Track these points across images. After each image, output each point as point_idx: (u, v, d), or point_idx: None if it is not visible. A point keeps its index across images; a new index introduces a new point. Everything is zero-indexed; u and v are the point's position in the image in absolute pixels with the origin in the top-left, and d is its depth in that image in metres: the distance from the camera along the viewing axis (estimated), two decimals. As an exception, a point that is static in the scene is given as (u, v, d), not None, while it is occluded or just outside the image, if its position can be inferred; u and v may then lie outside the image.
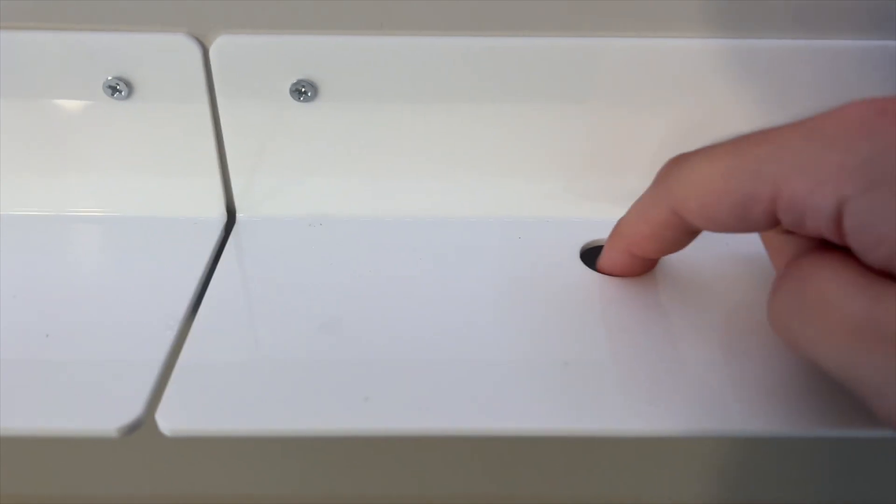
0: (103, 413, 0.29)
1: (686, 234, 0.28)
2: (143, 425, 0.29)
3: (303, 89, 0.37)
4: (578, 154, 0.38)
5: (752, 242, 0.33)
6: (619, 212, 0.31)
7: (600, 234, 0.37)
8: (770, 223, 0.24)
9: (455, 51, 0.36)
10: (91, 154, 0.39)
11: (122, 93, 0.37)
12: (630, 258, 0.32)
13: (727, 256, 0.37)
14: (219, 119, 0.38)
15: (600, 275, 0.34)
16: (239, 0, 0.36)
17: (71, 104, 0.37)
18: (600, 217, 0.37)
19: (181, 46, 0.36)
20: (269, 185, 0.40)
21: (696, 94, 0.36)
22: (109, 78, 0.37)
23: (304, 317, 0.33)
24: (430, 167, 0.39)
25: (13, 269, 0.36)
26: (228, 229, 0.40)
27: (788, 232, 0.26)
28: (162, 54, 0.36)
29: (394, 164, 0.39)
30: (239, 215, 0.41)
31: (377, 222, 0.40)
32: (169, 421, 0.28)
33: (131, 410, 0.29)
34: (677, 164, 0.26)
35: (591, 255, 0.37)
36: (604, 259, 0.33)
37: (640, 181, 0.30)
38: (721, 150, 0.25)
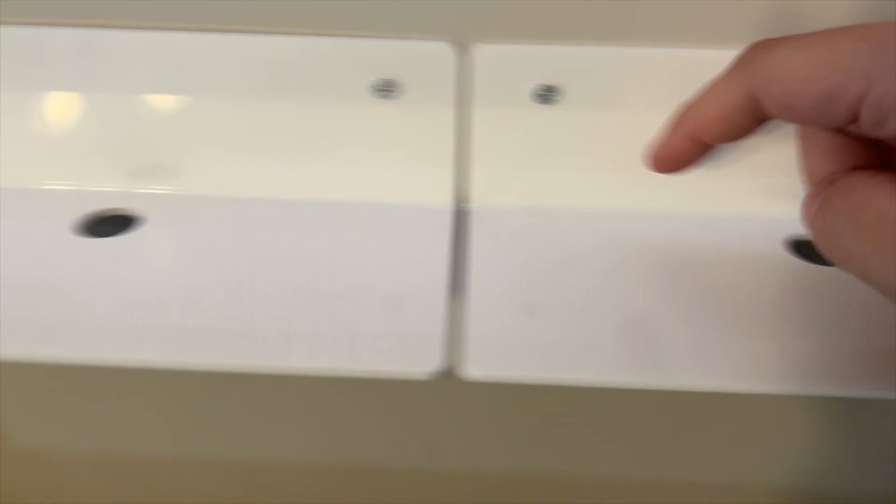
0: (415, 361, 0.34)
1: (756, 121, 0.27)
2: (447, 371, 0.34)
3: (546, 93, 0.42)
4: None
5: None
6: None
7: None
8: (848, 119, 0.24)
9: (685, 61, 0.40)
10: (354, 147, 0.44)
11: (388, 92, 0.42)
12: (691, 144, 0.30)
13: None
14: (467, 117, 0.43)
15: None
16: (494, 14, 0.41)
17: (341, 100, 0.43)
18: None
19: (443, 53, 0.41)
20: (505, 178, 0.45)
21: None
22: (375, 80, 0.42)
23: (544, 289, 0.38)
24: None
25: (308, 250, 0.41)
26: (459, 216, 0.45)
27: (839, 132, 0.27)
28: (425, 59, 0.42)
29: (620, 162, 0.43)
30: (474, 204, 0.45)
31: (598, 215, 0.44)
32: (476, 369, 0.33)
33: (436, 361, 0.34)
34: (764, 48, 0.26)
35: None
36: (661, 146, 0.31)
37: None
38: (813, 39, 0.25)
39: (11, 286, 0.38)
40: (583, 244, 0.42)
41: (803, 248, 0.41)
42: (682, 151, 0.31)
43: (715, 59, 0.31)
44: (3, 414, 0.59)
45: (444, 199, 0.45)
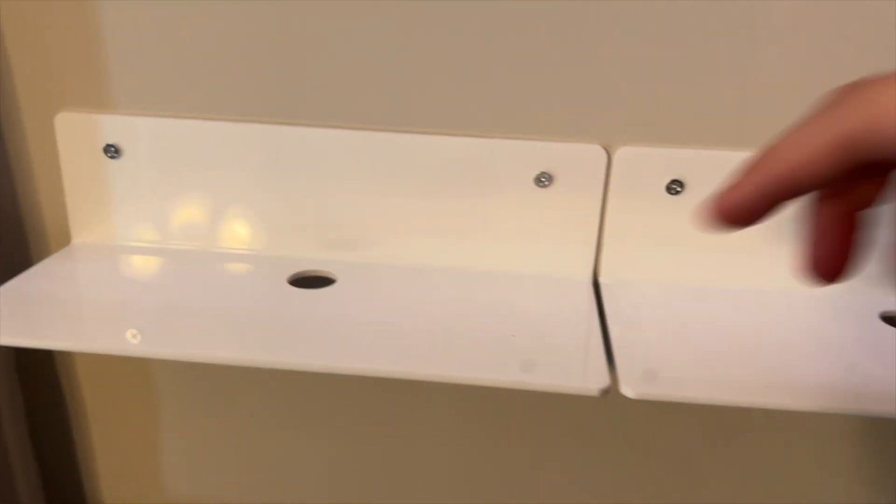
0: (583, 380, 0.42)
1: (847, 164, 0.26)
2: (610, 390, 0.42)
3: (675, 187, 0.52)
4: None
5: None
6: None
7: None
8: None
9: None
10: (515, 227, 0.54)
11: (546, 183, 0.53)
12: (768, 192, 0.27)
13: None
14: (606, 205, 0.53)
15: None
16: (634, 124, 0.52)
17: (507, 189, 0.54)
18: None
19: (593, 153, 0.52)
20: (634, 256, 0.54)
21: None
22: (539, 172, 0.53)
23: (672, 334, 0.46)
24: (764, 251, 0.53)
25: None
26: (596, 285, 0.54)
27: None
28: (579, 158, 0.52)
29: (739, 243, 0.53)
30: (602, 279, 0.55)
31: (708, 290, 0.53)
32: (632, 389, 0.41)
33: (603, 380, 0.42)
34: (863, 87, 0.25)
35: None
36: (732, 193, 0.28)
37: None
38: None
39: (250, 315, 0.48)
40: (695, 315, 0.51)
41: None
42: (755, 200, 0.28)
43: None
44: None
45: (586, 272, 0.54)
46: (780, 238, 0.52)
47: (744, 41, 0.49)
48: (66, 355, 0.66)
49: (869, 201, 0.29)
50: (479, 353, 0.45)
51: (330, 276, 0.55)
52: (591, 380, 0.42)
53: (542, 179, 0.53)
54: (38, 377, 0.67)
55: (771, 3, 0.48)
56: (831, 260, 0.29)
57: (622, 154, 0.52)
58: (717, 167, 0.50)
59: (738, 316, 0.51)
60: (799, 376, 0.43)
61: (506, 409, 0.64)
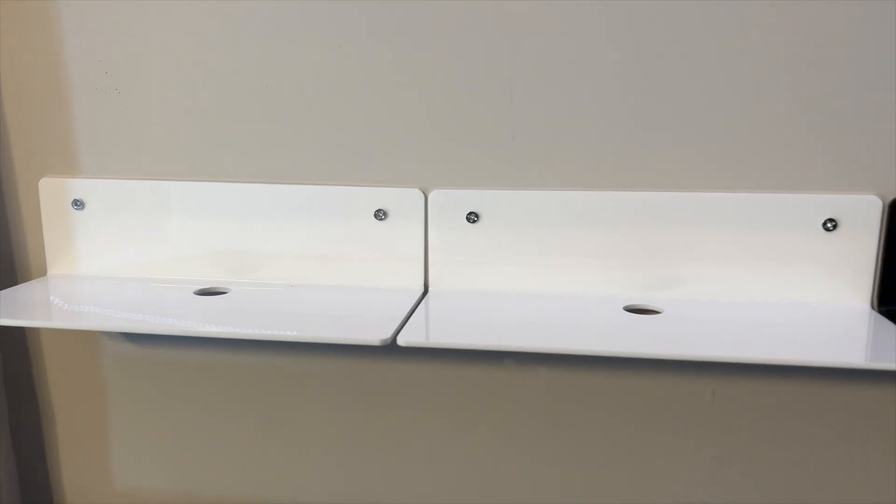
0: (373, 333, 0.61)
1: None
2: (390, 342, 0.60)
3: (472, 217, 0.72)
4: None
5: None
6: None
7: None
8: None
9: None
10: (360, 252, 0.74)
11: (383, 217, 0.73)
12: None
13: None
14: (428, 232, 0.73)
15: None
16: (441, 175, 0.72)
17: (354, 223, 0.74)
18: None
19: (415, 195, 0.72)
20: (450, 271, 0.73)
21: None
22: (377, 209, 0.73)
23: (463, 320, 0.65)
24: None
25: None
26: (424, 294, 0.73)
27: None
28: (405, 198, 0.73)
29: (532, 254, 0.71)
30: (431, 288, 0.74)
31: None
32: (405, 339, 0.60)
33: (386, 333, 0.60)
34: None
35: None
36: None
37: None
38: None
39: (168, 309, 0.68)
40: (482, 307, 0.69)
41: None
42: None
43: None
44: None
45: (417, 284, 0.74)
46: (561, 251, 0.71)
47: (505, 110, 0.70)
48: (41, 367, 0.85)
49: None
50: (324, 321, 0.64)
51: (224, 289, 0.75)
52: (378, 335, 0.60)
53: (380, 215, 0.73)
54: (19, 386, 0.86)
55: (527, 66, 0.69)
56: None
57: (435, 195, 0.72)
58: (504, 203, 0.71)
59: (518, 310, 0.69)
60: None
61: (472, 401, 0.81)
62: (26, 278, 0.82)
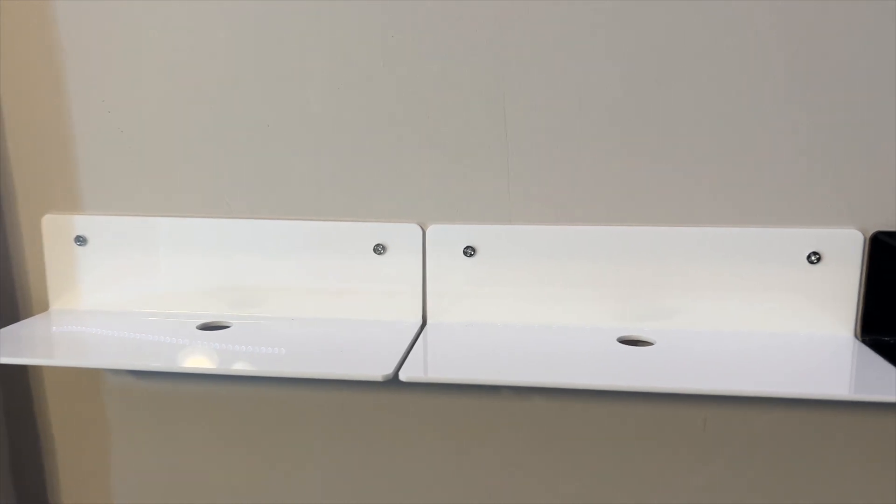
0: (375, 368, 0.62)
1: None
2: (392, 377, 0.62)
3: (469, 251, 0.74)
4: None
5: None
6: None
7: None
8: None
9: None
10: (360, 285, 0.76)
11: (382, 251, 0.75)
12: None
13: None
14: (426, 266, 0.75)
15: None
16: (439, 210, 0.74)
17: (353, 258, 0.76)
18: None
19: (413, 230, 0.74)
20: (448, 304, 0.75)
21: None
22: (375, 244, 0.75)
23: (465, 356, 0.67)
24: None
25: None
26: (423, 327, 0.75)
27: None
28: (403, 232, 0.74)
29: (524, 290, 0.73)
30: (429, 320, 0.75)
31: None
32: (406, 375, 0.61)
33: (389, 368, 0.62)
34: None
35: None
36: None
37: None
38: None
39: (170, 343, 0.69)
40: (479, 340, 0.71)
41: None
42: None
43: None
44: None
45: (416, 317, 0.76)
46: (556, 283, 0.73)
47: (500, 145, 0.72)
48: (42, 400, 0.86)
49: None
50: (325, 356, 0.66)
51: (226, 323, 0.77)
52: (380, 371, 0.62)
53: (379, 249, 0.75)
54: (20, 419, 0.87)
55: (521, 102, 0.71)
56: None
57: (432, 230, 0.74)
58: (500, 237, 0.73)
59: (514, 341, 0.71)
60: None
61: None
62: (28, 313, 0.83)
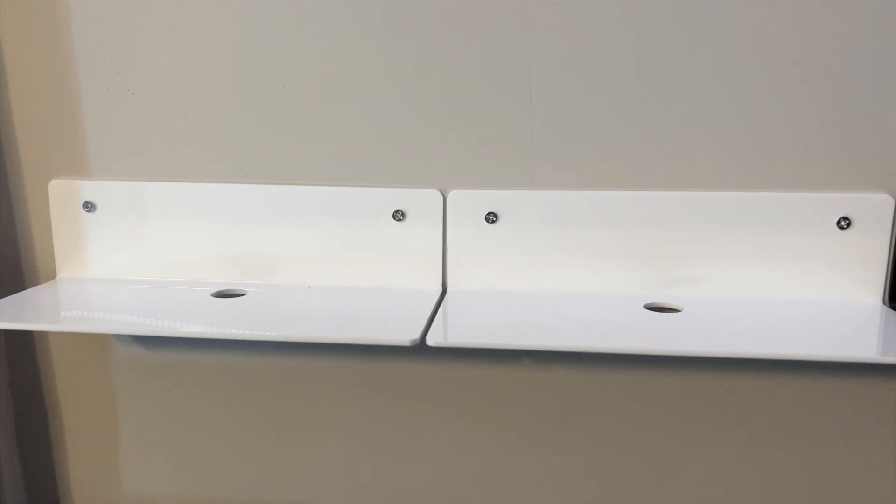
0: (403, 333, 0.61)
1: None
2: (419, 342, 0.60)
3: (491, 217, 0.72)
4: None
5: None
6: None
7: None
8: None
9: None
10: (378, 253, 0.74)
11: (401, 218, 0.73)
12: None
13: None
14: (446, 233, 0.73)
15: None
16: (460, 176, 0.72)
17: (372, 224, 0.74)
18: None
19: (433, 196, 0.73)
20: (468, 271, 0.73)
21: None
22: (395, 210, 0.73)
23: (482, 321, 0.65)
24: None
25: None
26: (443, 295, 0.73)
27: None
28: (423, 199, 0.73)
29: (549, 256, 0.72)
30: (449, 288, 0.74)
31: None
32: (433, 339, 0.60)
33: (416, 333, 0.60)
34: None
35: None
36: None
37: None
38: None
39: (186, 310, 0.67)
40: (501, 307, 0.70)
41: None
42: None
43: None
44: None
45: (436, 285, 0.74)
46: (580, 251, 0.72)
47: (524, 110, 0.70)
48: (49, 371, 0.84)
49: None
50: (348, 322, 0.64)
51: (241, 291, 0.75)
52: (407, 336, 0.61)
53: (398, 215, 0.73)
54: (26, 390, 0.84)
55: (545, 67, 0.70)
56: None
57: (453, 196, 0.73)
58: (522, 203, 0.71)
59: (537, 309, 0.69)
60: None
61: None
62: (35, 282, 0.81)
